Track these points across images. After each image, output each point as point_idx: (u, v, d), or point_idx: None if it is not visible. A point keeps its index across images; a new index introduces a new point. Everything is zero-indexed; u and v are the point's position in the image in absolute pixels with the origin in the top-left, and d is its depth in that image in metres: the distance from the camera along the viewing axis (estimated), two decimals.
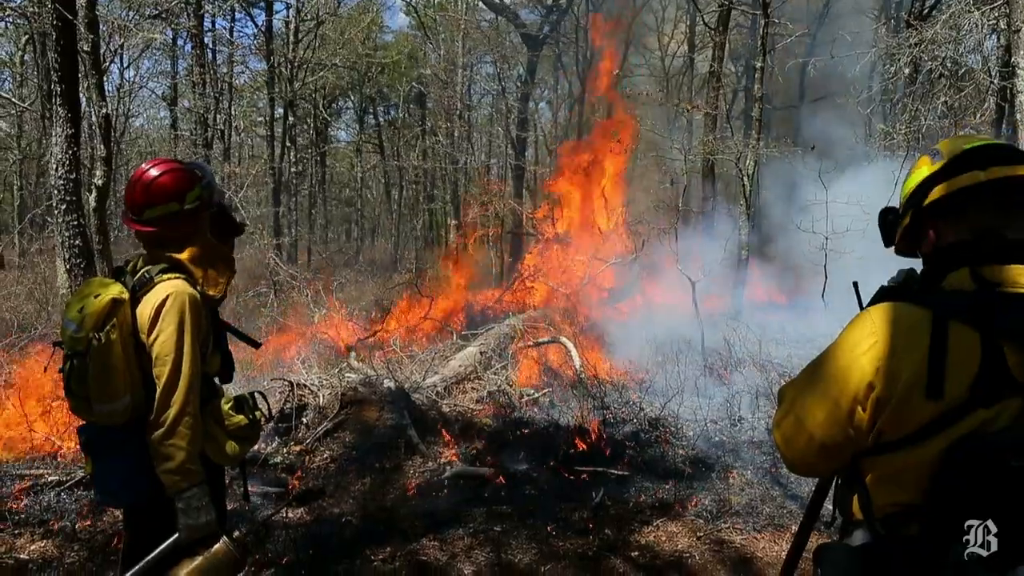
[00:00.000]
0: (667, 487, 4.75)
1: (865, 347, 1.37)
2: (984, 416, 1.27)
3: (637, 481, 4.87)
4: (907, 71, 8.04)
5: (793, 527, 4.20)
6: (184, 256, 2.29)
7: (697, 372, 6.81)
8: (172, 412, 2.14)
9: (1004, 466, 1.23)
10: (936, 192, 1.46)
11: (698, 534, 4.14)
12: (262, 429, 2.49)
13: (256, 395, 2.52)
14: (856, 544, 1.44)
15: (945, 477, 1.29)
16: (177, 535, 2.17)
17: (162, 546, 2.17)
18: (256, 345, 2.80)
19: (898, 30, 9.42)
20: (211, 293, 2.32)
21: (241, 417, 2.38)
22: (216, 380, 2.47)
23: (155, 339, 2.16)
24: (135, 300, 2.22)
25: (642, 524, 4.25)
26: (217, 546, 2.20)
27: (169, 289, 2.19)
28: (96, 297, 2.14)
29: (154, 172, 2.29)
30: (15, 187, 18.97)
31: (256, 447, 5.28)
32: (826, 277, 8.39)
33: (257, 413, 2.45)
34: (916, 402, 1.31)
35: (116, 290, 2.19)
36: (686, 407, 5.99)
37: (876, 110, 8.05)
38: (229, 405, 2.37)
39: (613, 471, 4.92)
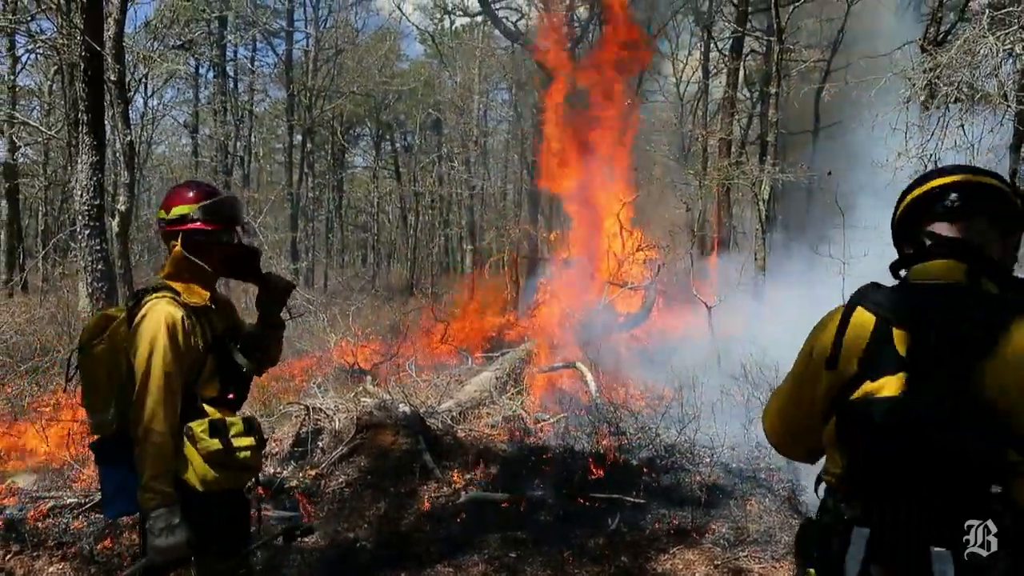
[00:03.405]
0: (684, 514, 4.70)
1: (811, 335, 1.66)
2: (869, 387, 1.45)
3: (653, 508, 4.81)
4: (922, 96, 8.03)
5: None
6: (166, 269, 2.39)
7: (714, 398, 6.74)
8: (139, 429, 2.17)
9: (870, 423, 1.41)
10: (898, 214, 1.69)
11: (715, 562, 4.08)
12: (247, 458, 2.34)
13: (245, 420, 2.40)
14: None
15: (838, 435, 1.50)
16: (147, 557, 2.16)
17: (133, 567, 2.17)
18: (255, 372, 2.62)
19: (913, 56, 9.44)
20: (194, 303, 2.34)
21: (215, 442, 2.26)
22: (206, 405, 2.36)
23: (132, 356, 2.24)
24: (132, 318, 2.31)
25: (659, 552, 4.20)
26: (187, 572, 2.18)
27: (149, 308, 2.27)
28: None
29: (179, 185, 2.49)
30: (40, 213, 19.35)
31: (272, 471, 5.30)
32: (843, 301, 8.32)
33: (240, 440, 2.32)
34: (822, 374, 1.55)
35: (116, 309, 2.35)
36: (703, 433, 5.93)
37: (891, 134, 8.04)
38: (202, 428, 2.27)
39: (629, 498, 4.87)
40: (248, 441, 2.35)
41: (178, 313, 2.27)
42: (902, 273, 1.62)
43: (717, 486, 5.14)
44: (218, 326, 2.44)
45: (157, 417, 2.17)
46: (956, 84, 7.33)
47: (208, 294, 2.40)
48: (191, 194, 2.41)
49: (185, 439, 2.25)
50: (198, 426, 2.27)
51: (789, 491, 5.01)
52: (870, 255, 8.20)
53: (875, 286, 1.56)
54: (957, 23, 10.54)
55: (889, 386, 1.42)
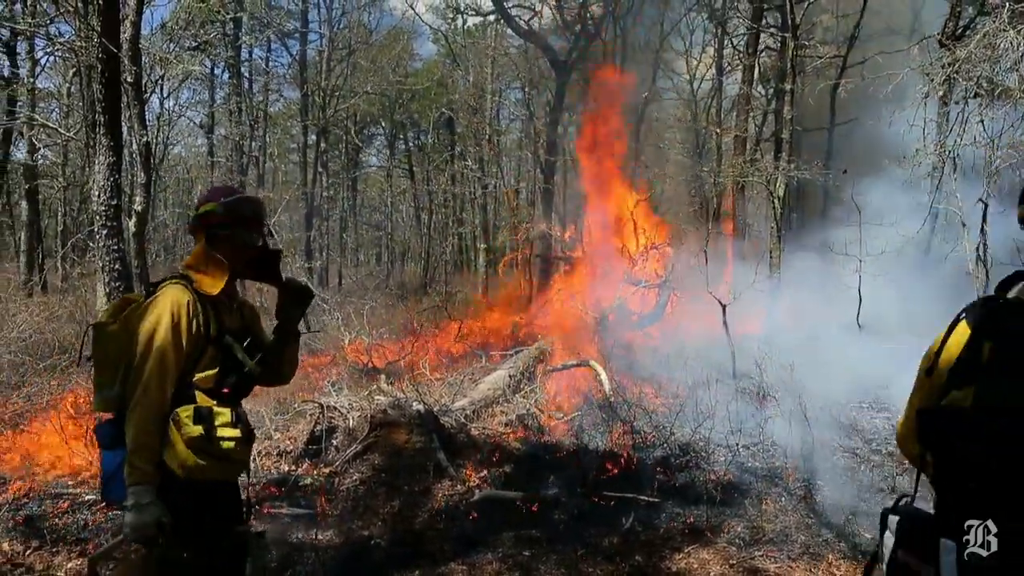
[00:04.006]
0: (698, 513, 4.67)
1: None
2: (955, 396, 1.51)
3: (668, 507, 4.79)
4: (941, 92, 7.92)
5: (829, 555, 4.11)
6: (187, 260, 2.51)
7: (729, 396, 6.70)
8: (132, 400, 2.25)
9: (940, 431, 1.51)
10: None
11: (731, 562, 4.05)
12: (230, 449, 2.35)
13: (234, 413, 2.41)
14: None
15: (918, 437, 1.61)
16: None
17: (118, 538, 2.22)
18: (253, 367, 2.56)
19: (931, 51, 9.31)
20: (206, 291, 2.42)
21: (197, 428, 2.28)
22: (199, 393, 2.37)
23: (137, 333, 2.31)
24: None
25: (673, 551, 4.19)
26: (150, 552, 2.22)
27: (160, 293, 2.37)
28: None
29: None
30: (59, 213, 19.58)
31: (286, 469, 5.33)
32: (860, 300, 8.24)
33: (225, 431, 2.33)
34: (924, 381, 1.64)
35: (136, 294, 2.49)
36: (717, 432, 5.90)
37: (909, 131, 7.94)
38: (187, 414, 2.29)
39: (643, 497, 4.85)
40: (233, 432, 2.36)
41: (185, 298, 2.36)
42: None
43: (732, 485, 5.11)
44: (228, 322, 2.48)
45: (148, 391, 2.24)
46: (975, 79, 7.23)
47: (221, 285, 2.45)
48: (217, 194, 2.57)
49: (171, 423, 2.28)
50: (184, 411, 2.30)
51: (805, 490, 4.97)
52: (887, 252, 8.12)
53: (985, 301, 1.58)
54: (976, 17, 10.39)
55: (969, 397, 1.46)
